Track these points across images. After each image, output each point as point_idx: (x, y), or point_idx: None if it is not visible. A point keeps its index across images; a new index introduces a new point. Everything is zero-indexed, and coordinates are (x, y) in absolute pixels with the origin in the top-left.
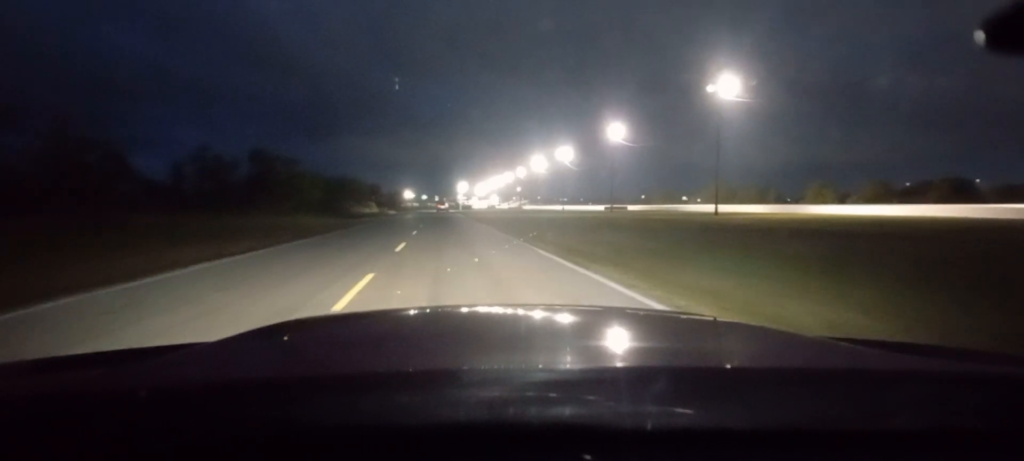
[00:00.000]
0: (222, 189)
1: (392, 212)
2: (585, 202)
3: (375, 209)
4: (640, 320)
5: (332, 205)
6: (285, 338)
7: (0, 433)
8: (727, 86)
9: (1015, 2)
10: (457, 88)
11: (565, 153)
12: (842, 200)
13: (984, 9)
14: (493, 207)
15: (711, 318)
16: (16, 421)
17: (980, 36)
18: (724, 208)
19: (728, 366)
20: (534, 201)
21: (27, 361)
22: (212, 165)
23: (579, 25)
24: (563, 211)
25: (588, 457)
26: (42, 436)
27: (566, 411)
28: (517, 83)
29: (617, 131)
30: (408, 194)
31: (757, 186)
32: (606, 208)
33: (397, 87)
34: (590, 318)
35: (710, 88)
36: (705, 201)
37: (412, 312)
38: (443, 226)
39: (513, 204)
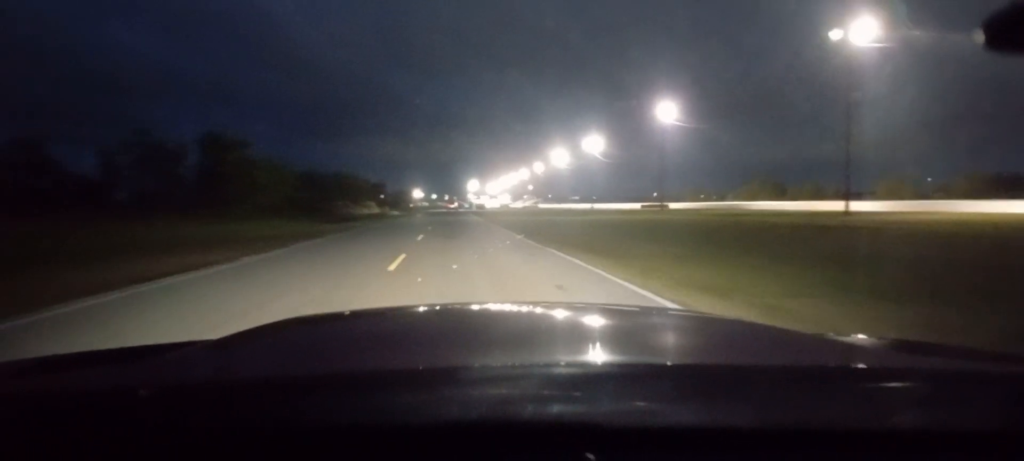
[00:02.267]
0: (168, 186)
1: (395, 213)
2: (596, 200)
3: (375, 210)
4: (644, 318)
5: (318, 205)
6: (287, 336)
7: (0, 433)
8: (863, 31)
9: (1015, 2)
10: (466, 85)
11: (591, 144)
12: (921, 195)
13: (984, 9)
14: (506, 206)
15: (714, 316)
16: (16, 421)
17: (980, 36)
18: (821, 206)
19: (731, 364)
20: (545, 200)
21: (27, 360)
22: (151, 155)
23: (586, 20)
24: (591, 210)
25: (591, 456)
26: (42, 436)
27: (569, 409)
28: (525, 80)
29: (668, 111)
30: (417, 193)
31: (765, 181)
32: (643, 207)
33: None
34: (594, 316)
35: (835, 35)
36: (745, 198)
37: (415, 309)
38: (455, 240)
39: (527, 203)
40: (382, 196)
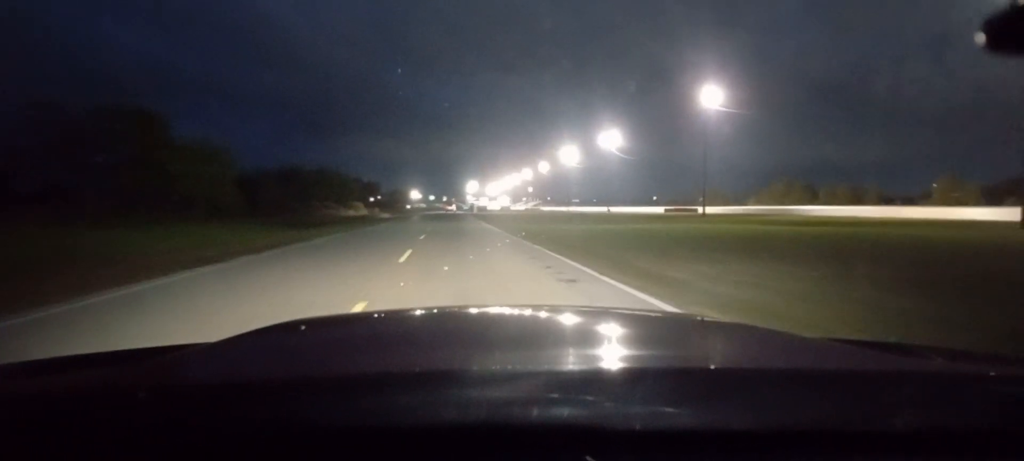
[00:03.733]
0: (82, 178)
1: (385, 216)
2: (597, 203)
3: (362, 212)
4: (642, 321)
5: (290, 206)
6: (286, 338)
7: (0, 433)
8: None
9: (1015, 3)
10: (466, 85)
11: (607, 140)
12: (990, 200)
13: (985, 10)
14: (506, 208)
15: (714, 319)
16: (16, 421)
17: (980, 37)
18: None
19: (730, 367)
20: (545, 202)
21: (27, 362)
22: (56, 137)
23: (587, 17)
24: (609, 215)
25: (589, 459)
26: (42, 436)
27: (567, 411)
28: (526, 79)
29: (714, 96)
30: (415, 194)
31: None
32: (667, 211)
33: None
34: (592, 319)
35: None
36: (768, 202)
37: (413, 312)
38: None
39: (529, 205)
40: (378, 197)
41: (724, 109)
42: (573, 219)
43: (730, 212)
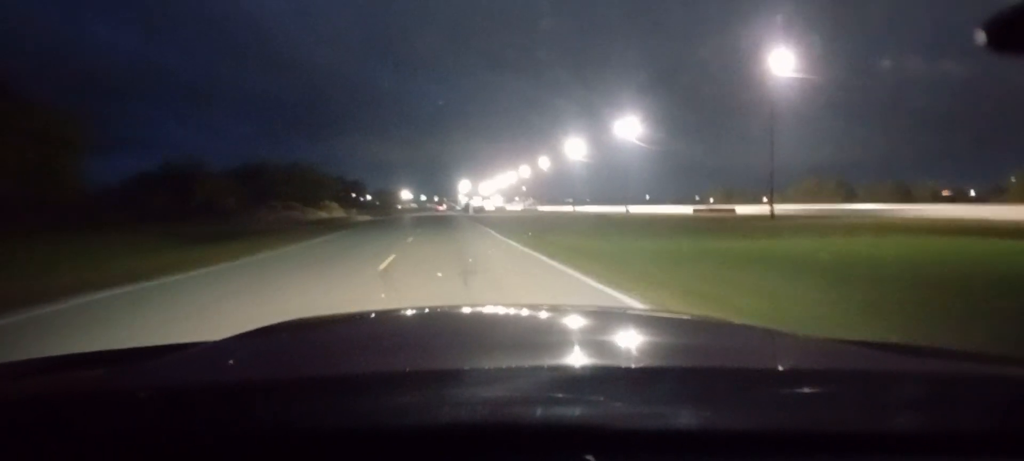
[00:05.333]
0: None
1: (363, 219)
2: (590, 203)
3: (337, 213)
4: (641, 321)
5: (230, 208)
6: (285, 338)
7: (0, 433)
8: None
9: (1015, 3)
10: (459, 85)
11: (626, 129)
12: None
13: (987, 9)
14: (502, 208)
15: (713, 319)
16: (16, 421)
17: (981, 37)
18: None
19: (730, 367)
20: (540, 202)
21: (28, 361)
22: None
23: (583, 17)
24: (627, 215)
25: (589, 457)
26: (42, 436)
27: (566, 411)
28: (521, 78)
29: (785, 60)
30: (406, 194)
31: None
32: (697, 211)
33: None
34: (591, 319)
35: None
36: (791, 201)
37: (412, 312)
38: None
39: (525, 204)
40: (366, 197)
41: (797, 75)
42: (600, 228)
43: (792, 212)
